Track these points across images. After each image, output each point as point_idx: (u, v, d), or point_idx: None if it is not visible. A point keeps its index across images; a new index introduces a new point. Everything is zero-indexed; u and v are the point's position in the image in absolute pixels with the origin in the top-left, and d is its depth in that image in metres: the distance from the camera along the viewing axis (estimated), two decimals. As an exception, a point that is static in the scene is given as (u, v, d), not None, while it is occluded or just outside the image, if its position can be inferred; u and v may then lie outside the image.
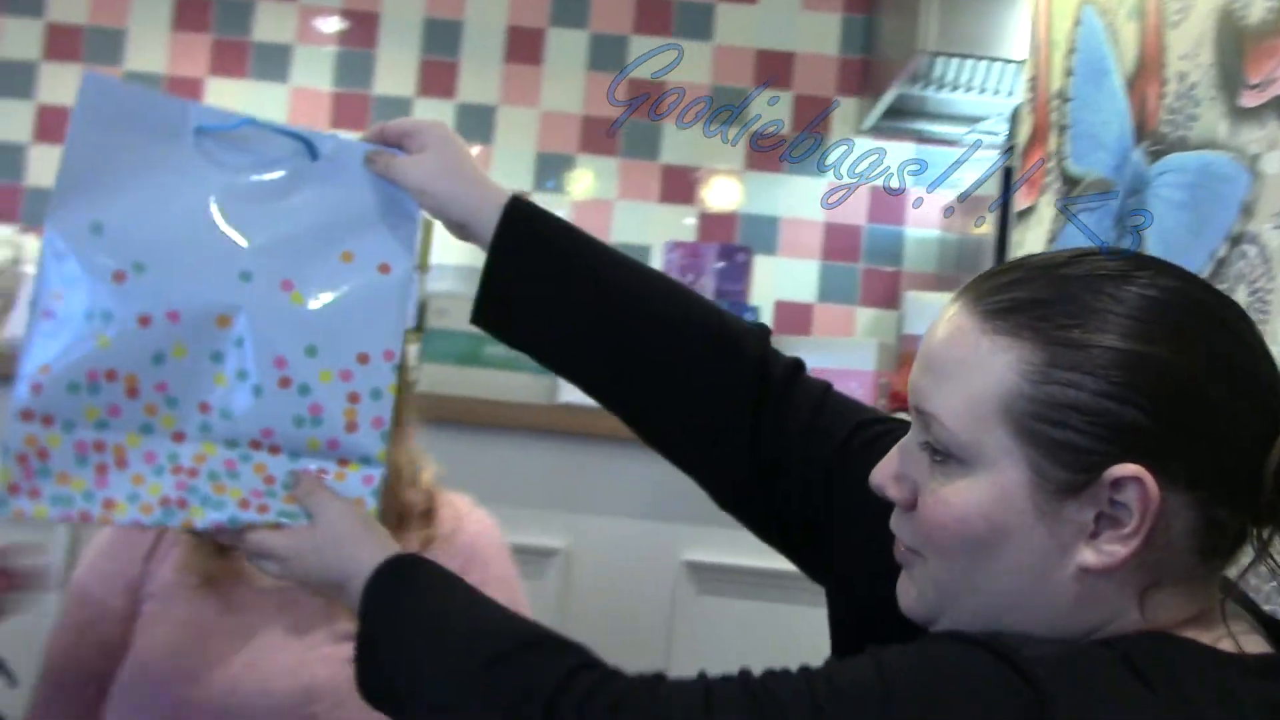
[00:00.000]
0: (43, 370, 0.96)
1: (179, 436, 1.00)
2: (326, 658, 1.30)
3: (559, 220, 1.04)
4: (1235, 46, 1.64)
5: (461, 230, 1.06)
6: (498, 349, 1.93)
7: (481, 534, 1.43)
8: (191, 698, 1.28)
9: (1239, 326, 0.74)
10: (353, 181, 1.04)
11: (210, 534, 1.02)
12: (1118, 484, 0.70)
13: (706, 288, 1.88)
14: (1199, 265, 1.67)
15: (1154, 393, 0.70)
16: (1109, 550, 0.71)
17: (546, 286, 1.02)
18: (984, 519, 0.72)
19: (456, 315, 1.94)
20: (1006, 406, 0.71)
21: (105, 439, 0.97)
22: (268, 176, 1.04)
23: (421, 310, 1.96)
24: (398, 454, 1.35)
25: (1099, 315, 0.71)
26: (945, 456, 0.74)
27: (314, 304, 1.01)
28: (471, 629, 0.87)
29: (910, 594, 0.80)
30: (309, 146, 1.05)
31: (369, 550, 0.95)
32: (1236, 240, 1.59)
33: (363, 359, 1.01)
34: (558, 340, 1.05)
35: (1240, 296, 1.56)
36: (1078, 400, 0.70)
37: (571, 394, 1.91)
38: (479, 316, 1.05)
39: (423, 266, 2.00)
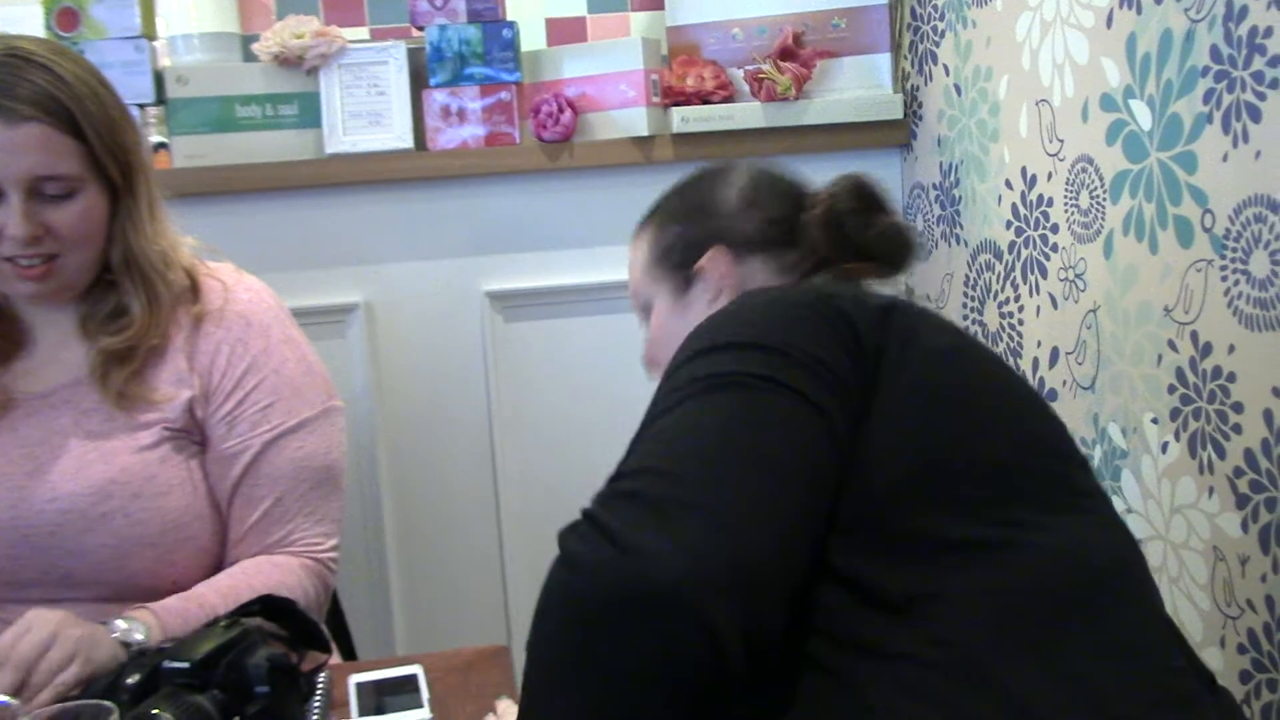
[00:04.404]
0: None
1: None
2: (115, 451, 1.28)
3: None
4: None
5: None
6: (250, 109, 1.82)
7: (253, 301, 1.38)
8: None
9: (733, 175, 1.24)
10: None
11: None
12: (700, 269, 1.20)
13: (459, 8, 1.79)
14: None
15: (688, 215, 1.23)
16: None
17: None
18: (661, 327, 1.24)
19: (199, 83, 1.81)
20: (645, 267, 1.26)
21: None
22: None
23: (157, 82, 1.82)
24: (148, 239, 1.29)
25: (669, 196, 1.28)
26: (643, 311, 1.28)
27: None
28: None
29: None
30: None
31: None
32: None
33: None
34: None
35: None
36: (670, 241, 1.23)
37: (339, 144, 1.83)
38: None
39: (148, 34, 1.85)
